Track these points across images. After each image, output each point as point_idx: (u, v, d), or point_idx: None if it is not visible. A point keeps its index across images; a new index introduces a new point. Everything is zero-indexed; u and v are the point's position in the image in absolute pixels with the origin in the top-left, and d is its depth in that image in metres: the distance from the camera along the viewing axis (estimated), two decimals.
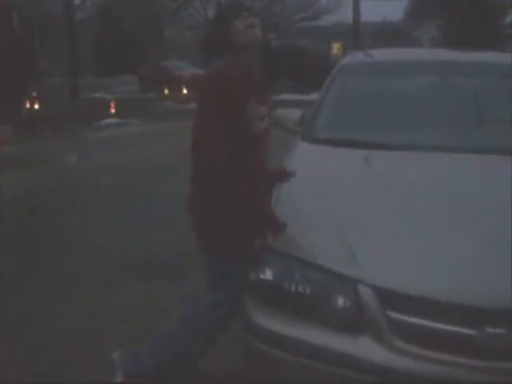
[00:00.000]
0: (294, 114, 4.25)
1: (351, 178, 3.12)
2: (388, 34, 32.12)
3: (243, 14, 2.80)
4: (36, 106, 18.83)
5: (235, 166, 2.68)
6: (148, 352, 3.02)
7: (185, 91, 25.28)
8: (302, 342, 2.44)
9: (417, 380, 2.28)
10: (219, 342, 3.05)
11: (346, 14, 28.03)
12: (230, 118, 2.68)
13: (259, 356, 2.57)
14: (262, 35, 2.86)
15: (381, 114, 3.88)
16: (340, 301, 2.41)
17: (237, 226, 2.77)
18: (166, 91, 26.93)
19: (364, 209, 2.78)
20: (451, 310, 2.27)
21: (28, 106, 18.72)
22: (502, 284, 2.29)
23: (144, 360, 3.00)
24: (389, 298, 2.33)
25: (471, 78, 4.07)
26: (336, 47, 35.15)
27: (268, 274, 2.59)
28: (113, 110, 18.13)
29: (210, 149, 2.68)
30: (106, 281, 4.74)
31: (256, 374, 2.69)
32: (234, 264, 2.84)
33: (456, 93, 3.99)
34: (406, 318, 2.31)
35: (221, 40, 2.83)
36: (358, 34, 24.46)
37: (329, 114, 4.00)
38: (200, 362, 3.15)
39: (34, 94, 20.00)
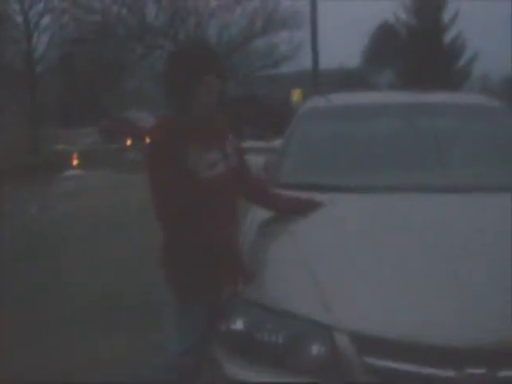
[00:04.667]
0: (258, 161, 4.23)
1: (319, 222, 3.09)
2: (346, 81, 32.71)
3: (207, 79, 2.75)
4: None
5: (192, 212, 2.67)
6: None
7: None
8: None
9: None
10: None
11: (305, 61, 28.43)
12: (170, 167, 2.66)
13: None
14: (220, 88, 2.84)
15: (344, 157, 3.88)
16: (315, 348, 2.36)
17: (203, 270, 2.73)
18: (128, 142, 26.87)
19: (335, 254, 2.74)
20: (429, 352, 2.23)
21: None
22: (479, 323, 2.27)
23: None
24: (365, 343, 2.28)
25: (431, 118, 4.11)
26: (296, 94, 35.52)
27: (239, 324, 2.52)
28: (75, 162, 18.00)
29: (160, 202, 2.69)
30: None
31: None
32: (200, 308, 2.80)
33: (416, 133, 4.02)
34: (384, 363, 2.26)
35: (175, 92, 2.83)
36: (317, 81, 24.75)
37: (293, 158, 4.00)
38: None
39: None
